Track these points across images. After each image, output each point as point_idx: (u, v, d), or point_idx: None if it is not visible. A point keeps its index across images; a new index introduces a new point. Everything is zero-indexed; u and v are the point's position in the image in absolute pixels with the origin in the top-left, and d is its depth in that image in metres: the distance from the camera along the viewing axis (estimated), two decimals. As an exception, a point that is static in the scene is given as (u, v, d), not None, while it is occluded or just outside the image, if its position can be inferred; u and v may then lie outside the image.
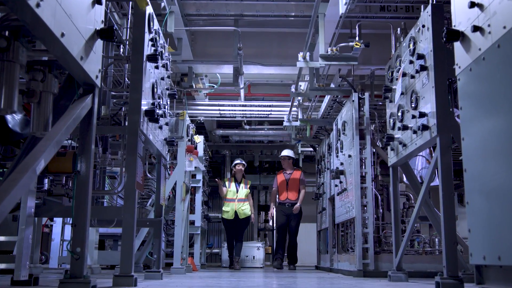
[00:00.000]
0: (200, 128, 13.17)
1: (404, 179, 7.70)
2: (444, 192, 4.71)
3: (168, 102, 6.71)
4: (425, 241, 7.95)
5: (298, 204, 11.15)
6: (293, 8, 8.34)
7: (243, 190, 11.32)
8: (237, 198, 11.26)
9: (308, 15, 7.88)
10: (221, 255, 14.11)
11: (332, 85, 9.23)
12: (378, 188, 8.18)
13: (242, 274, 8.42)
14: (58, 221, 10.59)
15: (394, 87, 6.11)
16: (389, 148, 6.36)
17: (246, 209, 11.23)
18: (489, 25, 3.38)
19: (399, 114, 5.88)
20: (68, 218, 9.17)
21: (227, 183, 11.47)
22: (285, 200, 11.32)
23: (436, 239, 7.84)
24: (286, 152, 11.72)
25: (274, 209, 11.53)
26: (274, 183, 11.77)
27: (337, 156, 9.08)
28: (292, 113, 11.00)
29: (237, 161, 11.62)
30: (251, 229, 17.01)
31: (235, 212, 11.17)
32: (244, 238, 17.55)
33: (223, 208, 11.36)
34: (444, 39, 3.86)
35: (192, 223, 9.99)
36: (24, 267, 4.20)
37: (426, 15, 5.16)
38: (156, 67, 5.82)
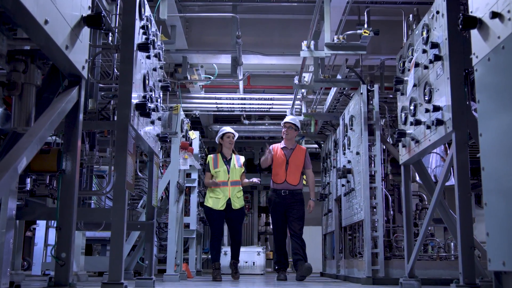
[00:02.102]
0: (196, 123, 13.16)
1: (417, 178, 7.70)
2: (460, 192, 4.71)
3: (161, 95, 6.70)
4: (439, 246, 7.95)
5: (312, 198, 9.13)
6: (297, -7, 8.34)
7: (236, 169, 8.96)
8: (230, 180, 8.88)
9: (313, 0, 7.87)
10: (218, 261, 14.11)
11: (339, 77, 9.23)
12: (389, 188, 8.19)
13: (242, 282, 8.43)
14: (41, 224, 10.60)
15: (406, 78, 6.11)
16: (400, 144, 6.36)
17: (241, 196, 9.02)
18: (509, 11, 3.37)
19: (412, 107, 5.88)
20: (52, 221, 9.17)
21: (211, 164, 9.01)
22: (282, 185, 9.04)
23: (452, 244, 7.85)
24: (290, 118, 9.28)
25: (269, 154, 9.17)
26: (266, 152, 9.27)
27: (344, 154, 9.08)
28: (295, 107, 11.02)
29: (226, 130, 9.13)
30: (251, 232, 17.03)
31: (228, 200, 8.84)
32: (243, 242, 17.61)
33: (210, 194, 8.90)
34: (460, 26, 3.85)
35: (187, 226, 10.01)
36: (5, 274, 4.20)
37: (440, 1, 5.16)
38: (148, 57, 5.81)
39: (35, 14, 2.95)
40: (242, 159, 9.22)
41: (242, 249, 13.63)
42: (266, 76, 11.41)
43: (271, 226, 9.98)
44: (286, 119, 9.22)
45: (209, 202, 8.87)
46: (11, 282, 4.25)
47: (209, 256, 14.72)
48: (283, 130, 9.16)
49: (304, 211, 9.02)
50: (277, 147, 9.26)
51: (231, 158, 9.04)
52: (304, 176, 9.46)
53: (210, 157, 9.06)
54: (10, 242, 4.47)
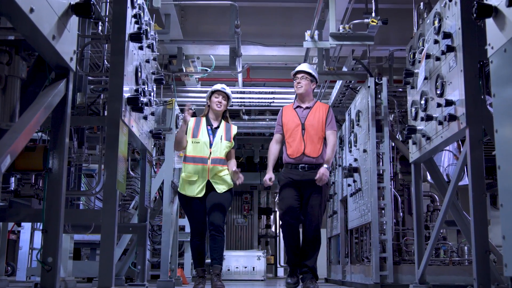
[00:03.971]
0: (191, 118, 13.15)
1: (428, 177, 7.71)
2: (474, 192, 4.71)
3: (154, 89, 6.71)
4: (452, 250, 7.97)
5: (325, 165, 6.78)
6: (299, -21, 8.35)
7: (223, 143, 6.83)
8: (211, 157, 6.72)
9: (317, -13, 7.87)
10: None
11: (345, 69, 9.23)
12: (398, 188, 8.20)
13: None
14: (26, 226, 10.61)
15: (416, 71, 6.11)
16: (410, 141, 6.36)
17: (227, 174, 6.83)
18: (527, -1, 3.37)
19: (422, 102, 5.88)
20: (38, 223, 9.18)
21: (191, 125, 6.89)
22: (298, 158, 6.87)
23: (465, 247, 7.86)
24: (304, 67, 7.15)
25: (271, 174, 6.97)
26: (276, 125, 7.24)
27: (350, 151, 9.09)
28: (298, 101, 10.99)
29: (217, 87, 7.04)
30: (251, 235, 17.04)
31: (207, 183, 6.72)
32: (242, 246, 17.63)
33: (182, 175, 6.85)
34: (475, 15, 3.85)
35: (182, 229, 10.03)
36: (-12, 279, 4.21)
37: (453, -13, 5.16)
38: (140, 48, 5.81)
39: (19, 1, 2.95)
40: (233, 129, 7.05)
41: (241, 253, 13.69)
42: (267, 68, 11.40)
43: (279, 218, 7.80)
44: (299, 68, 7.12)
45: (184, 188, 6.76)
46: (-6, 289, 4.25)
47: (207, 261, 14.78)
48: (295, 82, 7.08)
49: (326, 194, 7.04)
50: (288, 108, 7.22)
51: (218, 127, 6.93)
52: None
53: (192, 120, 6.90)
54: (-7, 246, 4.47)
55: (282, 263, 16.83)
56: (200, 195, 6.65)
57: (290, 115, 7.06)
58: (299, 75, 7.04)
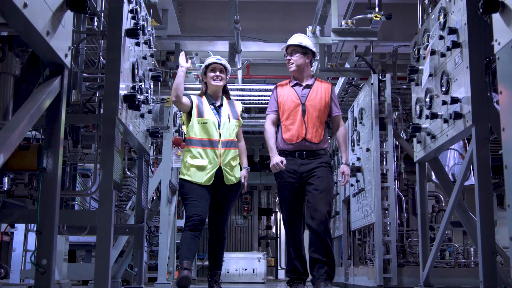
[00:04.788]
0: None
1: (433, 177, 7.70)
2: (480, 192, 4.72)
3: (151, 86, 6.70)
4: (458, 251, 7.97)
5: (344, 161, 6.27)
6: (301, -27, 8.35)
7: (232, 122, 6.33)
8: (221, 139, 6.18)
9: (319, -19, 7.87)
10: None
11: (347, 65, 9.23)
12: (402, 188, 8.20)
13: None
14: (20, 227, 10.61)
15: (421, 67, 6.11)
16: (415, 140, 6.37)
17: (237, 164, 6.37)
18: (534, -7, 3.37)
19: (427, 99, 5.88)
20: (32, 224, 9.18)
21: (195, 101, 6.27)
22: (298, 144, 6.12)
23: (472, 249, 7.86)
24: (298, 39, 6.35)
25: (279, 157, 6.05)
26: (270, 104, 6.42)
27: (353, 150, 9.09)
28: (299, 98, 10.99)
29: (211, 60, 6.39)
30: (251, 237, 17.04)
31: (219, 170, 6.16)
32: (242, 248, 17.63)
33: (189, 160, 6.17)
34: (481, 10, 3.85)
35: (180, 230, 10.01)
36: (-20, 282, 4.22)
37: (459, -19, 5.16)
38: (137, 44, 5.81)
39: (12, -4, 2.95)
40: (238, 105, 6.60)
41: (241, 255, 13.69)
42: (267, 65, 11.41)
43: (281, 215, 6.65)
44: (290, 41, 6.34)
45: (189, 173, 6.13)
46: (-14, 292, 4.25)
47: (205, 262, 14.73)
48: (286, 58, 6.36)
49: (331, 183, 6.21)
50: (284, 85, 6.40)
51: (221, 105, 6.35)
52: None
53: (194, 98, 6.30)
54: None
55: (283, 265, 16.84)
56: (208, 183, 6.08)
57: (288, 93, 6.26)
58: (288, 50, 6.32)
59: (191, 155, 6.13)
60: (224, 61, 6.39)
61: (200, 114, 6.15)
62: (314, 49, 6.31)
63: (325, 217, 5.90)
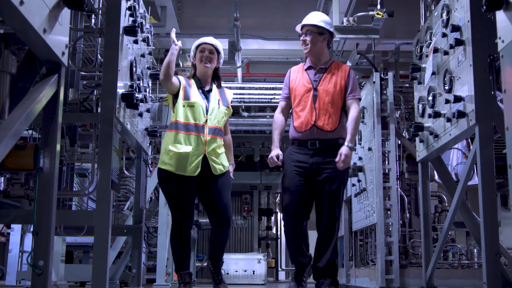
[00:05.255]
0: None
1: (436, 177, 7.71)
2: (484, 192, 4.72)
3: (150, 84, 6.71)
4: (461, 252, 7.98)
5: (348, 144, 5.44)
6: (301, -31, 8.36)
7: (221, 109, 5.69)
8: (208, 125, 5.53)
9: (320, -23, 7.87)
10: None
11: (349, 63, 9.23)
12: (405, 188, 8.20)
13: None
14: (16, 228, 10.61)
15: (423, 65, 6.12)
16: (417, 139, 6.37)
17: (223, 153, 5.71)
18: (539, -10, 3.38)
19: (430, 98, 5.88)
20: (29, 225, 9.19)
21: (182, 82, 5.63)
22: (308, 132, 5.57)
23: (475, 250, 7.87)
24: (313, 18, 5.79)
25: (278, 151, 5.62)
26: (283, 90, 5.95)
27: (354, 150, 9.09)
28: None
29: (202, 40, 5.82)
30: (251, 237, 17.03)
31: (204, 159, 5.47)
32: (242, 249, 17.64)
33: (168, 147, 5.46)
34: (485, 7, 3.85)
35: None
36: (-24, 284, 4.22)
37: (462, -22, 5.16)
38: (135, 42, 5.81)
39: (9, -7, 2.95)
40: (229, 94, 6.00)
41: (241, 256, 13.68)
42: (267, 63, 11.41)
43: (283, 208, 5.69)
44: (305, 21, 5.80)
45: (170, 162, 5.43)
46: (-18, 293, 4.25)
47: (204, 264, 14.73)
48: (301, 39, 5.86)
49: (346, 179, 5.72)
50: (297, 69, 5.92)
51: (211, 90, 5.76)
52: None
53: (182, 79, 5.70)
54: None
55: (283, 267, 16.84)
56: (194, 174, 5.40)
57: (300, 77, 5.76)
58: (303, 30, 5.79)
59: (172, 140, 5.44)
60: (215, 42, 5.79)
61: (186, 97, 5.52)
62: (331, 29, 5.79)
63: (334, 220, 5.50)
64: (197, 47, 5.78)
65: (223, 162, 5.61)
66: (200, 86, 5.66)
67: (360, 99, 5.74)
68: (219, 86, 5.83)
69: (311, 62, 5.78)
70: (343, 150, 5.37)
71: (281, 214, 5.97)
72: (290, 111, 5.88)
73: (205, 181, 5.52)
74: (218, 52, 5.78)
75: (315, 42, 5.67)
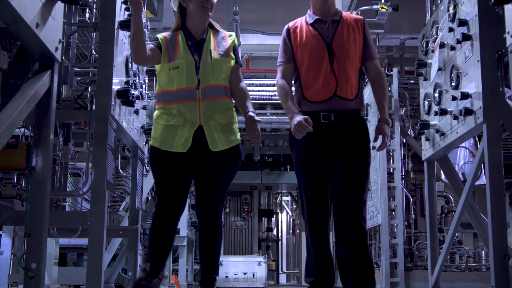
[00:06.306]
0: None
1: (442, 176, 7.71)
2: (492, 192, 4.72)
3: (146, 81, 6.70)
4: (468, 255, 7.98)
5: (385, 118, 4.60)
6: (303, -38, 8.35)
7: (217, 61, 4.60)
8: (201, 87, 4.49)
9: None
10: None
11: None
12: (410, 188, 8.21)
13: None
14: (7, 230, 10.62)
15: (429, 61, 6.11)
16: (423, 137, 6.37)
17: (230, 123, 4.76)
18: (549, -17, 3.38)
19: (436, 95, 5.88)
20: (21, 226, 9.19)
21: (163, 42, 4.62)
22: (326, 103, 4.50)
23: (483, 252, 7.87)
24: None
25: (301, 115, 4.34)
26: (282, 51, 4.70)
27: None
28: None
29: None
30: (251, 239, 17.04)
31: (199, 131, 4.50)
32: (241, 251, 17.64)
33: (159, 119, 4.59)
34: (492, 1, 3.86)
35: (177, 232, 10.01)
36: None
37: (470, -29, 5.16)
38: (131, 37, 5.79)
39: (0, -14, 2.95)
40: (229, 37, 4.78)
41: (240, 258, 13.69)
42: (268, 58, 11.39)
43: (301, 198, 4.68)
44: None
45: (157, 137, 4.59)
46: (-27, 297, 4.26)
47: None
48: None
49: (369, 157, 4.59)
50: (298, 24, 4.76)
51: (204, 39, 4.65)
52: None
53: (162, 40, 4.63)
54: (-28, 251, 4.48)
55: (284, 269, 16.85)
56: (183, 150, 4.46)
57: (306, 33, 4.62)
58: None
59: (160, 113, 4.58)
60: None
61: (170, 58, 4.54)
62: None
63: (357, 208, 4.38)
64: None
65: (227, 136, 4.62)
66: (191, 38, 4.62)
67: (378, 58, 4.75)
68: (216, 32, 4.76)
69: (319, 14, 4.65)
70: (386, 129, 4.55)
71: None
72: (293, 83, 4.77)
73: (200, 158, 4.54)
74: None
75: None
